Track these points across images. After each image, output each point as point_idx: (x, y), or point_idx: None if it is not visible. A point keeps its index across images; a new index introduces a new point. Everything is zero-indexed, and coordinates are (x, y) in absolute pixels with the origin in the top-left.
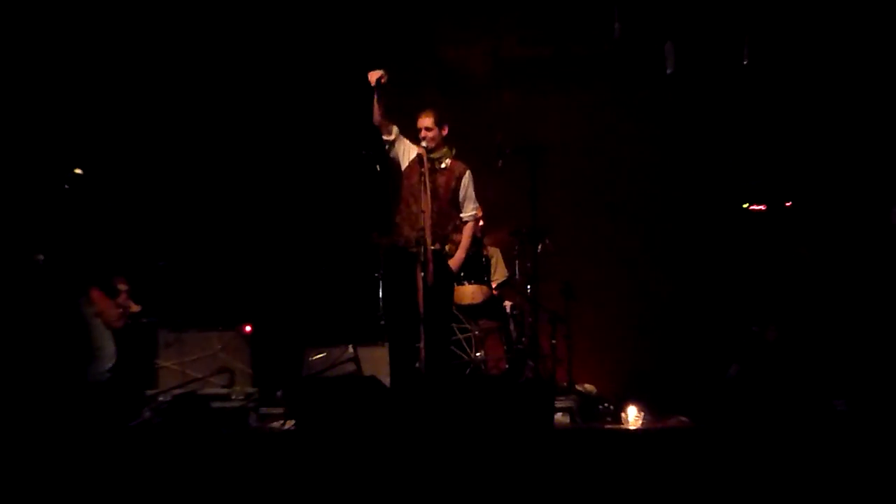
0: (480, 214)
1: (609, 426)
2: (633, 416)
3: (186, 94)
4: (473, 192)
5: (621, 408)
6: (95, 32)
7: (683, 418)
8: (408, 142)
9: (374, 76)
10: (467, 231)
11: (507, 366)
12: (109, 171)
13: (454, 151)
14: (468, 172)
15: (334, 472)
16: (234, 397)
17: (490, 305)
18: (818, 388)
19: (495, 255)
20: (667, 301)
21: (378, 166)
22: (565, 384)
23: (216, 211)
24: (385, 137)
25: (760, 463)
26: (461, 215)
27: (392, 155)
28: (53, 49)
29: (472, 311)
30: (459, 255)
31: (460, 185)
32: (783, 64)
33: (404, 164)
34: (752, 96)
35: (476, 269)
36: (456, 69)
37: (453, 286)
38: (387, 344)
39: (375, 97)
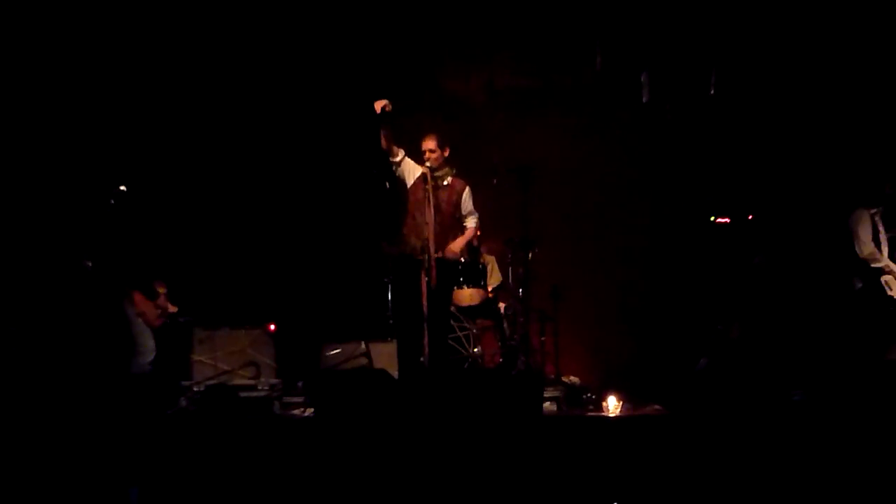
0: (478, 224)
1: (591, 413)
2: (612, 405)
3: (218, 121)
4: (472, 205)
5: (602, 397)
6: (140, 72)
7: (658, 406)
8: (412, 162)
9: (379, 105)
10: (469, 232)
11: (501, 360)
12: (150, 190)
13: (455, 170)
14: (468, 188)
15: (349, 453)
16: (259, 388)
17: (486, 306)
18: (777, 381)
19: (491, 262)
20: (643, 302)
21: (387, 183)
22: (553, 376)
23: (246, 224)
24: (392, 160)
25: (726, 446)
26: (465, 224)
27: (398, 174)
28: (103, 85)
29: (470, 311)
30: (459, 242)
31: (461, 199)
32: (746, 94)
33: (410, 182)
34: (717, 122)
35: (474, 274)
36: (455, 97)
37: (453, 289)
38: (395, 340)
39: (385, 129)
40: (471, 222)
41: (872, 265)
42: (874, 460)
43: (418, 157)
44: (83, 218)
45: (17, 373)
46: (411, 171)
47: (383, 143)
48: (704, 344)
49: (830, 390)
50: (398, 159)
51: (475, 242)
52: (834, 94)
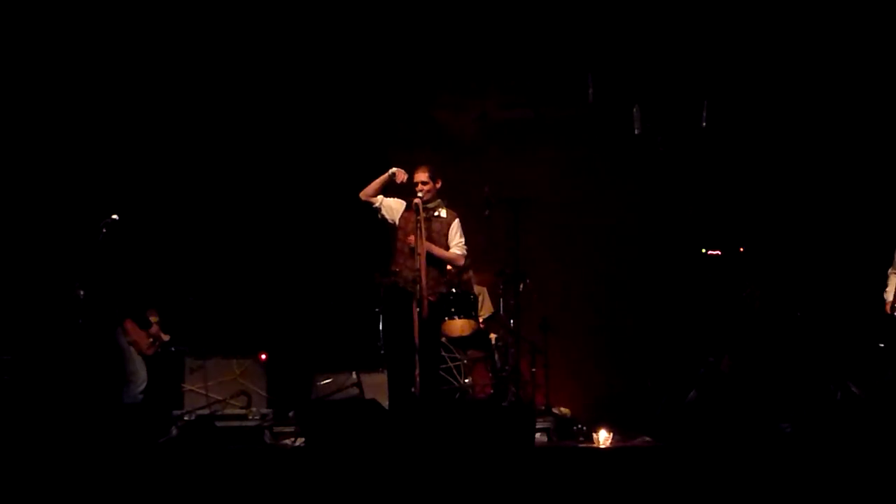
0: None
1: (582, 445)
2: (603, 436)
3: (210, 151)
4: (460, 233)
5: (593, 428)
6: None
7: (648, 438)
8: (390, 200)
9: (401, 176)
10: (450, 254)
11: (492, 391)
12: (142, 219)
13: (446, 202)
14: (457, 220)
15: (340, 483)
16: (251, 417)
17: (477, 337)
18: (767, 413)
19: (482, 293)
20: (633, 334)
21: (379, 216)
22: (543, 407)
23: (238, 254)
24: (374, 206)
25: (717, 478)
26: (450, 245)
27: (380, 217)
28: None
29: (461, 342)
30: (432, 246)
31: (450, 229)
32: (737, 126)
33: (397, 218)
34: (709, 155)
35: (465, 305)
36: (448, 130)
37: (444, 320)
38: (386, 371)
39: (382, 183)
40: (455, 250)
41: None
42: (862, 491)
43: (410, 189)
44: (76, 247)
45: (11, 401)
46: (394, 209)
47: (367, 193)
48: (694, 376)
49: (818, 422)
50: (378, 204)
51: (455, 268)
52: (825, 127)
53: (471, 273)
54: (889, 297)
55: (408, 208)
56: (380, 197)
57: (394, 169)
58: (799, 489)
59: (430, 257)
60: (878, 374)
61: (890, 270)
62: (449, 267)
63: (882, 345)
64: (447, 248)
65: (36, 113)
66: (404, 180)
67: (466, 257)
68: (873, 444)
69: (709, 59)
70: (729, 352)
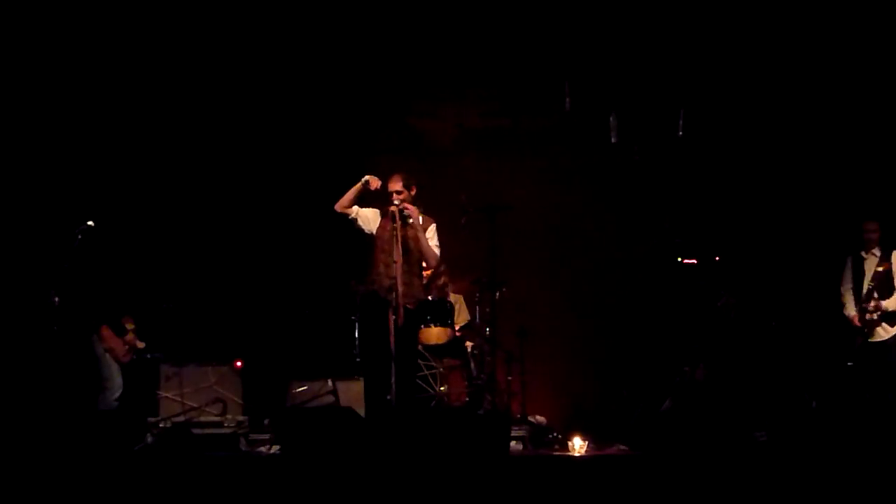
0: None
1: (557, 453)
2: (578, 444)
3: (186, 158)
4: (436, 237)
5: (568, 437)
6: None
7: (623, 446)
8: (366, 210)
9: (374, 183)
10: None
11: (467, 399)
12: (118, 225)
13: (422, 209)
14: (433, 225)
15: (315, 491)
16: (226, 424)
17: (453, 345)
18: (741, 421)
19: (458, 300)
20: (609, 343)
21: (356, 227)
22: (519, 415)
23: (214, 261)
24: (350, 217)
25: (691, 486)
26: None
27: (357, 227)
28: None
29: (437, 350)
30: (419, 234)
31: (426, 232)
32: (714, 135)
33: (373, 228)
34: (685, 164)
35: (441, 313)
36: (424, 136)
37: (420, 328)
38: (362, 378)
39: (356, 193)
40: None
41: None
42: (836, 500)
43: (385, 197)
44: (51, 253)
45: None
46: (370, 219)
47: (342, 204)
48: (669, 385)
49: (792, 431)
50: (353, 215)
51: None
52: (800, 137)
53: (445, 280)
54: (851, 311)
55: (384, 216)
56: (355, 208)
57: (367, 177)
58: (773, 498)
59: (407, 266)
60: (851, 392)
61: (842, 289)
62: (426, 273)
63: (850, 364)
64: (422, 255)
65: (10, 118)
66: (378, 187)
67: (441, 263)
68: (849, 452)
69: (685, 69)
70: (704, 361)
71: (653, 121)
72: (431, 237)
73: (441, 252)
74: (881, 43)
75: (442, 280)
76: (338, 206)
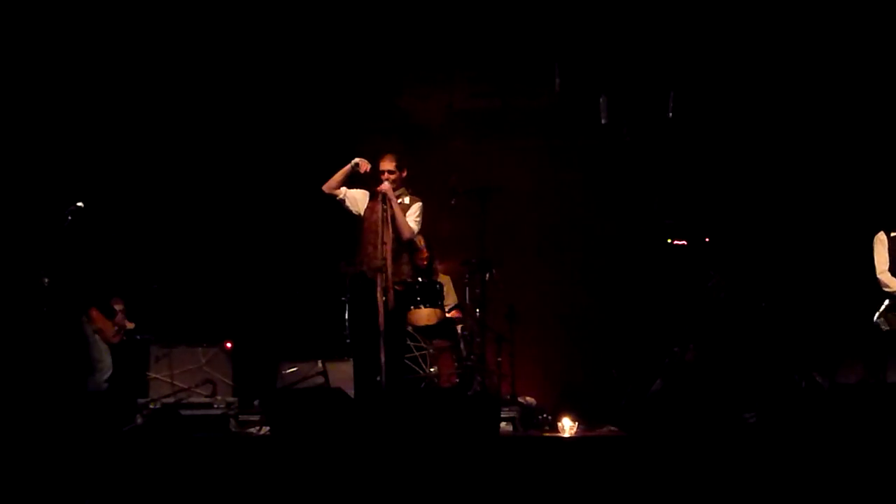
0: (421, 240)
1: (547, 434)
2: (568, 426)
3: (176, 138)
4: (418, 214)
5: (558, 418)
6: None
7: (613, 428)
8: (355, 191)
9: (364, 166)
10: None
11: (457, 380)
12: (107, 206)
13: (411, 190)
14: (419, 203)
15: (305, 472)
16: (216, 406)
17: (443, 327)
18: (731, 402)
19: (446, 282)
20: (599, 324)
21: (343, 207)
22: (509, 397)
23: (204, 241)
24: (338, 198)
25: (681, 467)
26: None
27: (345, 208)
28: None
29: (426, 331)
30: (396, 211)
31: (411, 209)
32: (704, 116)
33: (361, 209)
34: (675, 145)
35: (431, 294)
36: (415, 118)
37: (410, 309)
38: (351, 360)
39: (345, 175)
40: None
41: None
42: (825, 483)
43: (374, 178)
44: (40, 234)
45: None
46: (358, 200)
47: (330, 186)
48: (659, 366)
49: (781, 412)
50: (342, 196)
51: (423, 264)
52: (790, 117)
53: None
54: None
55: (372, 197)
56: (343, 189)
57: (356, 159)
58: (762, 478)
59: (397, 246)
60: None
61: (878, 272)
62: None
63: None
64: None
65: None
66: (367, 170)
67: (430, 249)
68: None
69: (675, 50)
70: (694, 342)
71: (643, 102)
72: (413, 214)
73: (429, 233)
74: (866, 20)
75: (420, 255)
76: (325, 188)
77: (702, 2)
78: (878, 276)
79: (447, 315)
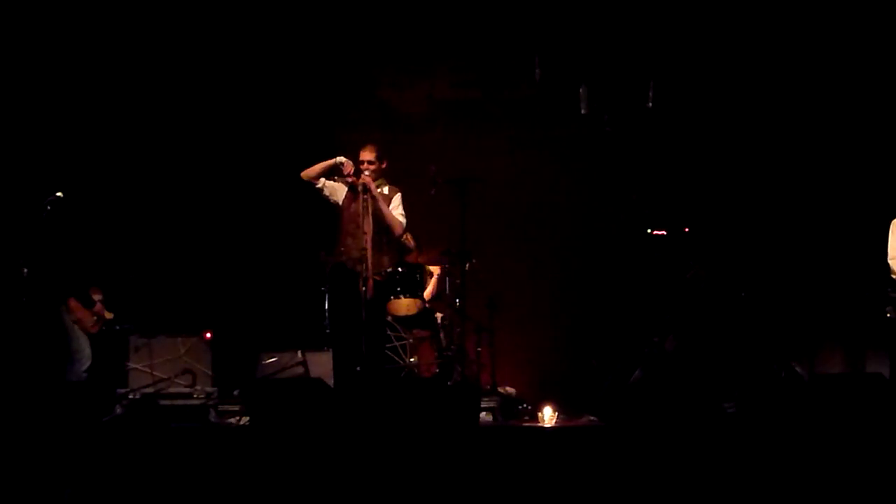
0: (411, 240)
1: (527, 424)
2: (548, 416)
3: (154, 128)
4: (402, 206)
5: (538, 408)
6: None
7: (593, 418)
8: (332, 182)
9: (348, 167)
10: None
11: (437, 370)
12: (86, 196)
13: (389, 179)
14: (398, 194)
15: (285, 462)
16: (196, 396)
17: (423, 316)
18: (710, 392)
19: (435, 273)
20: (579, 314)
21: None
22: (489, 387)
23: (184, 231)
24: (316, 186)
25: (660, 457)
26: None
27: (323, 196)
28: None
29: (406, 321)
30: (382, 206)
31: (391, 202)
32: (684, 106)
33: (339, 198)
34: (655, 135)
35: (410, 284)
36: (394, 108)
37: (389, 299)
38: (331, 350)
39: (325, 168)
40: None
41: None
42: (804, 473)
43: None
44: (19, 224)
45: None
46: (337, 189)
47: (309, 174)
48: (639, 356)
49: (761, 402)
50: (320, 185)
51: (411, 245)
52: (770, 106)
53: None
54: None
55: (352, 188)
56: (322, 178)
57: (341, 158)
58: (741, 468)
59: (377, 236)
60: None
61: (891, 259)
62: (411, 245)
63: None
64: (387, 225)
65: None
66: (350, 172)
67: (415, 240)
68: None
69: (655, 40)
70: (673, 332)
71: (623, 92)
72: (396, 206)
73: (409, 224)
74: (852, 8)
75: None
76: (304, 174)
77: None
78: (889, 261)
79: (427, 305)
